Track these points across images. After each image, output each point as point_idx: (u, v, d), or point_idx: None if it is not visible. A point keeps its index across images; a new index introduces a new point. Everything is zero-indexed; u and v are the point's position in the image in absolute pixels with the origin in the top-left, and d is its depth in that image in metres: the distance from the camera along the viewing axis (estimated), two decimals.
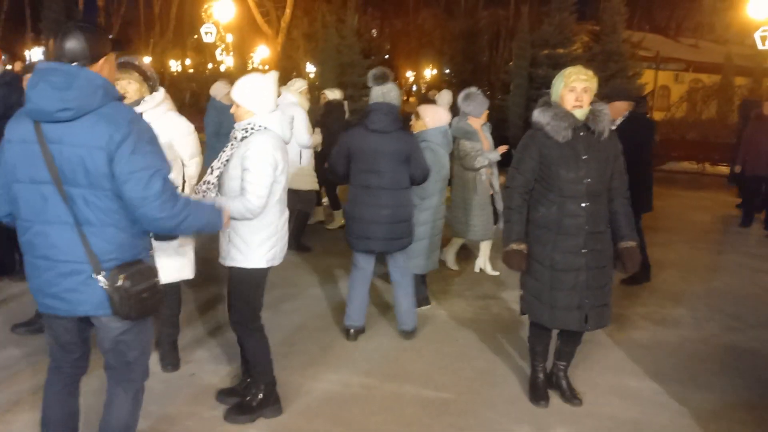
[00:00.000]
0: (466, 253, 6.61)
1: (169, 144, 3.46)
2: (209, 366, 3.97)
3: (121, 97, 2.40)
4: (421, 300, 4.90)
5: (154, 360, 3.95)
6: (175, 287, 3.80)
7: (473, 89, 5.72)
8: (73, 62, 2.26)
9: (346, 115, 8.01)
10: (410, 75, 30.59)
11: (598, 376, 4.00)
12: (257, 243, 3.18)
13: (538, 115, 3.35)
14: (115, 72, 2.58)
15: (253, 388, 3.38)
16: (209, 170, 3.26)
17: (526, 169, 3.41)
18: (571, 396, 3.69)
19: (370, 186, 4.19)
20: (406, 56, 30.58)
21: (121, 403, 2.61)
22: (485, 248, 6.12)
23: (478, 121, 5.67)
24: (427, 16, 28.70)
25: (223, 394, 3.56)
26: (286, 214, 3.37)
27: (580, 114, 3.31)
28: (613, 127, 3.49)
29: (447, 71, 21.04)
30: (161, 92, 3.56)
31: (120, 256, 2.34)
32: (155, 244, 3.17)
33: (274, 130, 3.17)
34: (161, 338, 3.90)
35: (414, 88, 33.25)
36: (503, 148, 5.76)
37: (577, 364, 4.13)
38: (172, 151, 3.50)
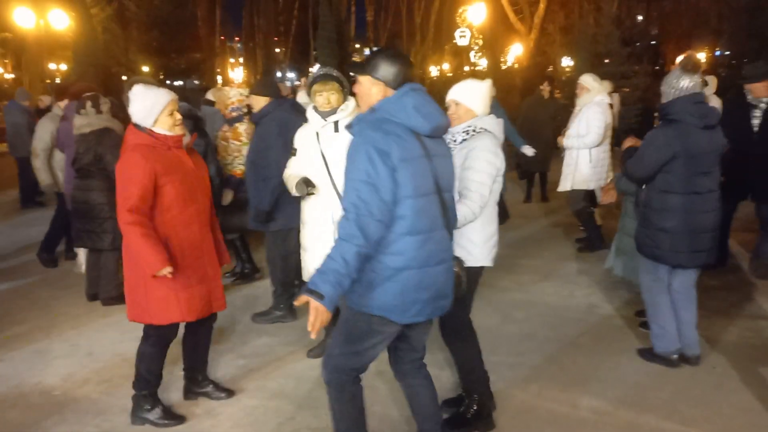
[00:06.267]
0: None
1: None
2: (431, 369, 3.83)
3: None
4: None
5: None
6: None
7: None
8: None
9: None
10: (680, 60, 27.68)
11: None
12: (483, 240, 3.14)
13: None
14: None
15: (467, 399, 3.26)
16: None
17: None
18: None
19: (700, 191, 3.65)
20: (676, 40, 27.66)
21: (432, 384, 2.89)
22: None
23: None
24: None
25: (443, 405, 3.48)
26: None
27: None
28: None
29: (720, 53, 18.46)
30: (352, 100, 3.68)
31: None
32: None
33: (494, 132, 3.14)
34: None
35: None
36: None
37: None
38: None
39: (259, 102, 4.61)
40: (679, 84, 3.64)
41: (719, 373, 3.80)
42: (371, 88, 2.49)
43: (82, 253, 5.80)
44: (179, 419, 3.42)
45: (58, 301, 5.36)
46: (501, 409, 3.41)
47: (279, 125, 4.37)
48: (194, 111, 5.33)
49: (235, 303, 5.17)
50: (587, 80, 6.31)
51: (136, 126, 3.19)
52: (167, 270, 3.01)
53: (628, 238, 4.55)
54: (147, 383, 3.36)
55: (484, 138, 3.08)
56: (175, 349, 3.53)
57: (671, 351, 3.85)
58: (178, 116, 3.23)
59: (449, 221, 2.58)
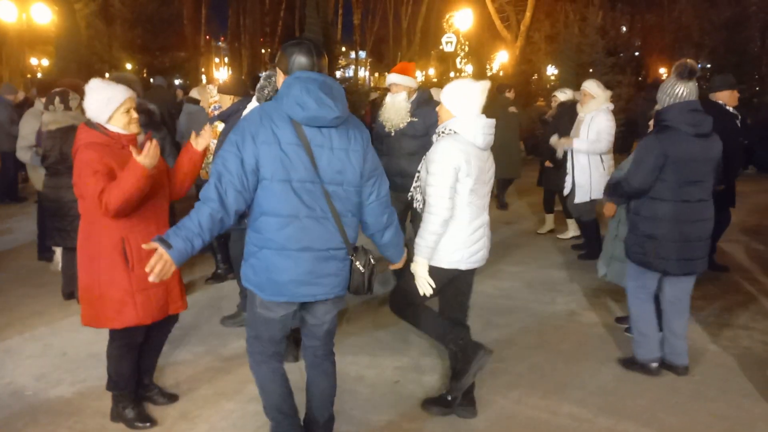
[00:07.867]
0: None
1: None
2: (413, 375, 3.92)
3: None
4: None
5: (366, 367, 4.04)
6: None
7: None
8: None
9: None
10: (663, 72, 27.89)
11: None
12: (441, 243, 3.14)
13: None
14: None
15: (458, 354, 3.30)
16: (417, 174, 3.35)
17: None
18: None
19: (690, 200, 3.63)
20: (659, 52, 27.96)
21: (333, 372, 2.92)
22: None
23: None
24: (685, 7, 25.99)
25: (428, 403, 3.50)
26: (483, 219, 3.25)
27: None
28: None
29: (702, 65, 18.70)
30: None
31: (355, 242, 2.69)
32: None
33: (464, 135, 3.11)
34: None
35: None
36: None
37: None
38: None
39: (227, 100, 4.60)
40: (674, 91, 3.64)
41: (698, 381, 3.82)
42: (279, 79, 2.64)
43: (58, 252, 5.69)
44: (153, 422, 3.34)
45: (32, 299, 5.25)
46: (481, 416, 3.40)
47: None
48: (145, 104, 5.10)
49: (214, 304, 5.10)
50: (592, 87, 6.13)
51: (88, 123, 3.06)
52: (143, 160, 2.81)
53: (622, 245, 4.52)
54: (116, 384, 3.29)
55: (444, 140, 3.08)
56: None
57: (651, 359, 3.84)
58: (135, 115, 3.10)
59: (337, 212, 2.57)
